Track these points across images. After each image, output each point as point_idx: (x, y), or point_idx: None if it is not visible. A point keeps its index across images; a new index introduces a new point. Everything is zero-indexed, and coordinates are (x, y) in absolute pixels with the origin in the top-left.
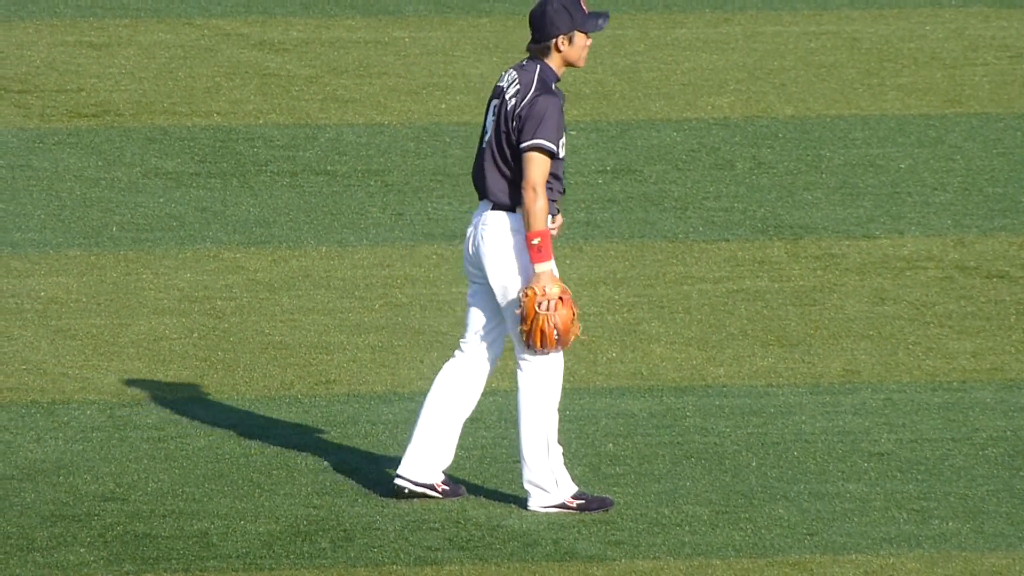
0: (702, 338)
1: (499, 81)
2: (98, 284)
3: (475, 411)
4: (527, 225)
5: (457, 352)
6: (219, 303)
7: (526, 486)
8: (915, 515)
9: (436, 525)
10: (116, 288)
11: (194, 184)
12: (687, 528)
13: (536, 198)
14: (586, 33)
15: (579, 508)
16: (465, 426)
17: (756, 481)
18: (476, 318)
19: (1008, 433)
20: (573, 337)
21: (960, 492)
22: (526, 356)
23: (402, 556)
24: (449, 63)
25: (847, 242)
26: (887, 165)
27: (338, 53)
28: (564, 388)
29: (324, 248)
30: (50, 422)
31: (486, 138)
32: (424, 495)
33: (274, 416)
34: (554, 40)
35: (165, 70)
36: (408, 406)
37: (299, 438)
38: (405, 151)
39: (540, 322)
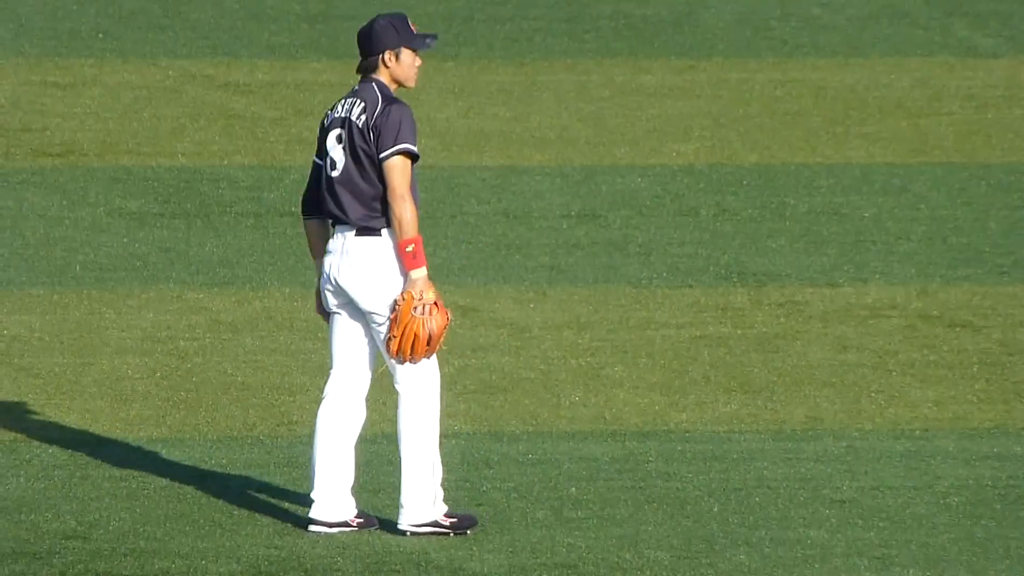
0: (665, 383)
1: (332, 112)
2: (61, 323)
3: None
4: (399, 233)
5: (328, 392)
6: (182, 343)
7: (403, 502)
8: (876, 563)
9: (397, 567)
10: (79, 327)
11: (158, 224)
12: (648, 573)
13: (405, 205)
14: (414, 51)
15: (452, 527)
16: None
17: (718, 527)
18: (342, 347)
19: (970, 482)
20: (438, 345)
21: (921, 540)
22: (401, 380)
23: None
24: (414, 107)
25: (810, 290)
26: (851, 213)
27: (303, 95)
28: (527, 431)
29: (288, 289)
30: (12, 460)
31: (337, 168)
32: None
33: (236, 457)
34: (380, 56)
35: (130, 110)
36: (370, 448)
37: (261, 479)
38: None
39: (415, 326)
